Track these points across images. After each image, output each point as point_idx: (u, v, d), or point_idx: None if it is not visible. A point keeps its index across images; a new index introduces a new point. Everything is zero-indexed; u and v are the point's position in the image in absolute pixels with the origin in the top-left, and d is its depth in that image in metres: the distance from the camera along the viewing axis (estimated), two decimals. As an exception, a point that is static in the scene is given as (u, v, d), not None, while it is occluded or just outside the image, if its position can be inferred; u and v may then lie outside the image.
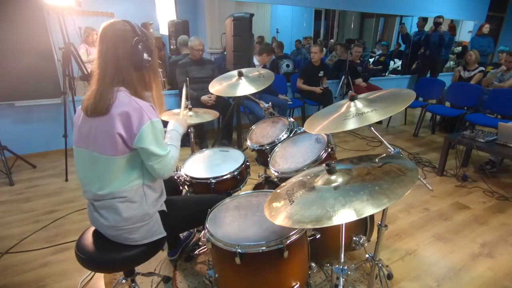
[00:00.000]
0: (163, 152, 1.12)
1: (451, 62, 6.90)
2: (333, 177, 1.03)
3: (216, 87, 1.98)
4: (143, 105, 1.07)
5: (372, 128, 1.29)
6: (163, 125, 1.16)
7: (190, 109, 1.99)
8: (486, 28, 5.35)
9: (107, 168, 1.09)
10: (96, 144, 1.07)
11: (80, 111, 1.13)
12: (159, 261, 1.80)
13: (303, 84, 4.30)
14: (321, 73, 4.29)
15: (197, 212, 1.34)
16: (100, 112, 1.04)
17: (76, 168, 1.18)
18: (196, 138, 2.09)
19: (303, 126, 1.59)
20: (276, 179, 1.67)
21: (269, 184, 1.88)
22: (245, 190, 1.55)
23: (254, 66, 3.63)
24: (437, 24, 4.96)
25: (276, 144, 1.79)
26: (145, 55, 1.09)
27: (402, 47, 6.28)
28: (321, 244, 1.33)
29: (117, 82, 1.07)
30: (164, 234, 1.25)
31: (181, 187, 1.67)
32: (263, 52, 3.73)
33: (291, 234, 1.06)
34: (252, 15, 3.05)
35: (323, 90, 4.26)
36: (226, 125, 3.55)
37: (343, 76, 4.68)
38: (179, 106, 1.80)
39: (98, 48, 1.07)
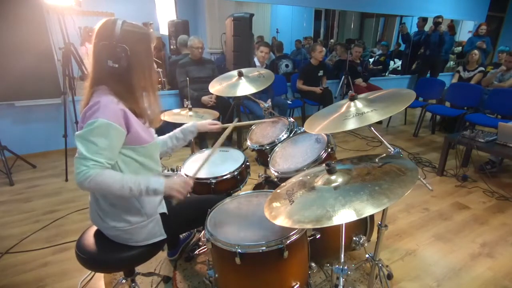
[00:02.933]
0: (85, 155, 0.95)
1: (451, 62, 6.90)
2: (333, 177, 1.03)
3: (216, 87, 1.98)
4: (103, 103, 1.00)
5: (372, 128, 1.29)
6: (163, 124, 1.15)
7: (190, 109, 1.99)
8: (482, 30, 5.35)
9: None
10: None
11: None
12: (159, 261, 1.80)
13: (303, 85, 4.30)
14: (320, 73, 4.29)
15: (197, 213, 1.34)
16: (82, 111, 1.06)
17: None
18: (196, 138, 2.08)
19: (303, 126, 1.59)
20: (276, 179, 1.67)
21: (269, 184, 1.88)
22: (245, 190, 1.55)
23: (254, 66, 3.63)
24: (436, 24, 4.96)
25: (276, 144, 1.79)
26: (110, 62, 1.02)
27: (402, 47, 6.28)
28: (321, 244, 1.33)
29: (97, 80, 1.07)
30: (164, 236, 1.25)
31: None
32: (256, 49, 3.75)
33: (291, 234, 1.06)
34: (252, 15, 3.05)
35: (323, 90, 4.26)
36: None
37: (343, 76, 4.68)
38: (179, 107, 1.80)
39: None
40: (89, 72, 1.09)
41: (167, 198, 1.29)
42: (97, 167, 0.96)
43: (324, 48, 4.15)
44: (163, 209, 1.26)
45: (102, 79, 1.07)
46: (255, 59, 3.77)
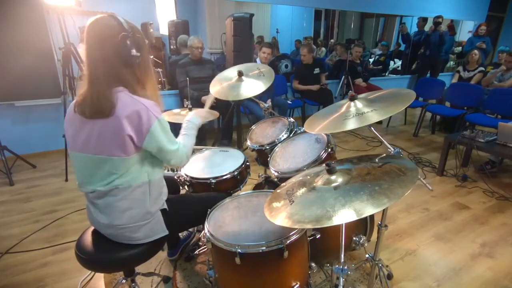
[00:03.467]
0: (175, 147, 1.16)
1: (451, 62, 6.90)
2: (333, 177, 1.03)
3: (216, 88, 1.98)
4: (148, 104, 1.06)
5: (372, 128, 1.29)
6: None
7: (190, 109, 1.99)
8: (482, 30, 5.35)
9: (114, 168, 1.07)
10: (102, 146, 1.05)
11: (73, 114, 1.09)
12: (159, 261, 1.80)
13: (298, 84, 4.30)
14: (316, 70, 4.24)
15: (198, 210, 1.34)
16: (102, 114, 1.01)
17: (75, 171, 1.15)
18: (196, 138, 2.08)
19: (303, 126, 1.59)
20: (276, 179, 1.67)
21: (269, 184, 1.88)
22: (245, 190, 1.55)
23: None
24: (436, 24, 4.96)
25: (276, 144, 1.79)
26: (133, 51, 1.05)
27: (402, 47, 6.28)
28: (321, 244, 1.33)
29: (113, 81, 1.04)
30: (166, 232, 1.24)
31: (181, 187, 1.67)
32: (259, 49, 3.75)
33: (291, 234, 1.06)
34: (252, 15, 3.05)
35: (320, 89, 4.25)
36: (226, 125, 3.55)
37: (343, 76, 4.68)
38: (179, 107, 1.80)
39: (85, 47, 1.03)
40: (98, 71, 1.03)
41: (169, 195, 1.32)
42: (180, 146, 1.20)
43: (307, 51, 4.08)
44: (164, 205, 1.26)
45: (120, 76, 1.06)
46: (257, 60, 3.77)
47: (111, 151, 1.05)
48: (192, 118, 1.41)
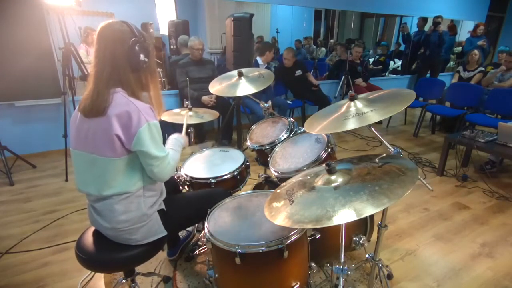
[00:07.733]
0: (161, 154, 1.11)
1: (451, 62, 6.91)
2: (333, 177, 1.03)
3: (216, 87, 1.98)
4: (141, 107, 1.06)
5: (372, 128, 1.29)
6: (162, 124, 1.16)
7: (190, 109, 1.99)
8: (480, 30, 5.35)
9: (106, 170, 1.08)
10: (94, 145, 1.07)
11: (77, 112, 1.12)
12: (159, 261, 1.80)
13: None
14: (298, 72, 4.19)
15: (196, 208, 1.35)
16: (97, 113, 1.04)
17: (74, 170, 1.17)
18: (196, 138, 2.08)
19: (303, 126, 1.59)
20: (276, 179, 1.67)
21: (269, 184, 1.88)
22: (245, 190, 1.55)
23: (255, 66, 3.64)
24: (436, 24, 4.96)
25: (276, 144, 1.79)
26: (142, 56, 1.09)
27: (402, 47, 6.28)
28: (321, 244, 1.33)
29: (113, 82, 1.07)
30: (165, 233, 1.25)
31: (181, 187, 1.67)
32: (265, 51, 3.74)
33: (291, 234, 1.06)
34: (252, 15, 3.05)
35: (313, 89, 4.27)
36: (226, 125, 3.55)
37: (343, 76, 4.68)
38: (179, 106, 1.80)
39: (95, 48, 1.06)
40: (104, 72, 1.06)
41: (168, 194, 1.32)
42: (168, 156, 1.15)
43: (291, 55, 4.04)
44: (162, 206, 1.27)
45: (122, 78, 1.08)
46: (258, 59, 3.79)
47: (101, 151, 1.06)
48: (178, 137, 1.39)
